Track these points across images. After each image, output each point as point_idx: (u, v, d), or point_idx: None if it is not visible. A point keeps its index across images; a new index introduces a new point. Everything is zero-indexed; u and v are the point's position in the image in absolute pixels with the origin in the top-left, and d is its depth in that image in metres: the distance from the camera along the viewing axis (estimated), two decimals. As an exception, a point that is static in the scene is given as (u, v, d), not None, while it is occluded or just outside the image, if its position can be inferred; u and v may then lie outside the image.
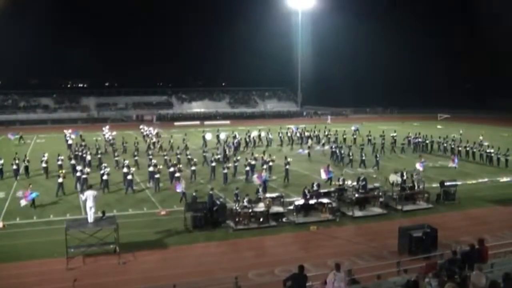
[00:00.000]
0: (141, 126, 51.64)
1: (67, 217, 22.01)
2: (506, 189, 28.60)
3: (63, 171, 29.32)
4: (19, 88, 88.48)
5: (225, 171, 30.20)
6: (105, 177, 28.16)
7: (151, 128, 49.74)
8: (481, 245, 13.68)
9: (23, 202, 23.03)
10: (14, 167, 31.18)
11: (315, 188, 24.34)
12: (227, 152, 37.37)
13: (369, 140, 44.58)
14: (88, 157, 34.42)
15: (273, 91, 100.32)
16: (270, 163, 32.20)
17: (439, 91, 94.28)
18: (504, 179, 31.40)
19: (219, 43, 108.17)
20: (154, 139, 44.73)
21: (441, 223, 19.92)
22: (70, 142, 43.93)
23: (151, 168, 29.57)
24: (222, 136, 45.75)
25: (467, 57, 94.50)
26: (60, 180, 27.24)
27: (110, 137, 45.61)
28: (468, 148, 39.00)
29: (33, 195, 23.89)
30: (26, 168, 32.15)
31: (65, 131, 48.00)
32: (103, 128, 50.11)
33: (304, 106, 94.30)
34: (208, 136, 45.24)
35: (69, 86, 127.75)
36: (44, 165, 32.17)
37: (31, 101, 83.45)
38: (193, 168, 31.18)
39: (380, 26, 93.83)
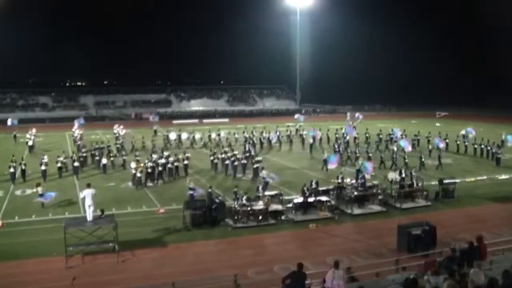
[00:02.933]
0: (114, 127, 49.50)
1: (66, 216, 22.05)
2: (504, 187, 28.63)
3: (142, 164, 29.44)
4: (17, 87, 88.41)
5: (256, 165, 30.90)
6: (161, 168, 30.16)
7: (119, 129, 47.84)
8: (480, 242, 13.69)
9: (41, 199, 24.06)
10: (11, 170, 29.85)
11: (313, 186, 24.37)
12: (251, 149, 37.16)
13: (380, 139, 43.72)
14: (104, 160, 33.44)
15: (271, 89, 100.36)
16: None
17: (438, 89, 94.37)
18: (503, 177, 31.46)
19: (218, 41, 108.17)
20: (121, 140, 43.21)
21: (440, 221, 19.93)
22: (30, 143, 42.54)
23: (162, 160, 31.09)
24: (245, 134, 45.72)
25: (466, 55, 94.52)
26: (139, 174, 28.29)
27: (78, 136, 44.79)
28: (482, 147, 38.65)
29: (51, 194, 24.51)
30: (23, 171, 30.59)
31: (30, 131, 45.89)
32: (73, 129, 48.28)
33: (302, 104, 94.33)
34: (172, 136, 44.98)
35: (67, 84, 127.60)
36: (43, 167, 30.74)
37: (29, 99, 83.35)
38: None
39: (379, 24, 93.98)
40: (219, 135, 46.21)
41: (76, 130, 47.13)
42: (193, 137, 45.59)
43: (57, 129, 59.80)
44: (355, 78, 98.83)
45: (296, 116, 58.40)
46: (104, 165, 33.01)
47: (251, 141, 42.47)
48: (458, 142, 41.21)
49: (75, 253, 17.27)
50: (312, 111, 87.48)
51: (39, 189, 24.47)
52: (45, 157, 31.77)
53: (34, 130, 46.77)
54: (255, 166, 30.99)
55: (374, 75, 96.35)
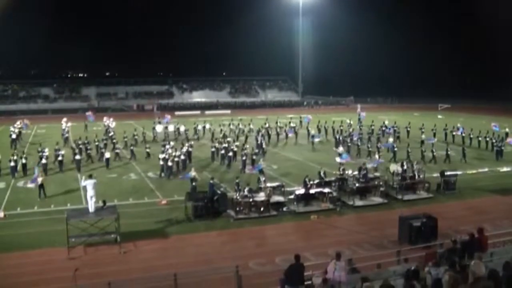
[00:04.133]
0: (104, 119, 48.34)
1: (68, 207, 22.12)
2: (506, 179, 28.59)
3: (173, 154, 30.36)
4: (19, 78, 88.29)
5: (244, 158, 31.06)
6: (183, 157, 31.18)
7: (109, 121, 46.66)
8: (481, 234, 13.67)
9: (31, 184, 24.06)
10: (12, 164, 29.27)
11: (322, 175, 24.50)
12: (262, 142, 37.16)
13: (372, 131, 43.66)
14: (107, 154, 32.82)
15: (274, 81, 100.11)
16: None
17: (440, 81, 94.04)
18: (504, 169, 31.41)
19: (220, 33, 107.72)
20: (112, 133, 41.69)
21: (441, 213, 19.95)
22: (14, 136, 40.73)
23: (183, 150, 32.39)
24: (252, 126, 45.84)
25: (468, 47, 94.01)
26: (170, 163, 29.22)
27: (66, 129, 44.10)
28: (487, 139, 38.61)
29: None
30: (24, 165, 29.98)
31: (15, 124, 44.82)
32: (62, 122, 46.68)
33: (305, 96, 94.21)
34: (159, 128, 44.47)
35: (69, 76, 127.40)
36: (44, 161, 30.20)
37: (31, 91, 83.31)
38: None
39: (381, 17, 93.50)
40: (204, 127, 46.27)
41: (64, 123, 45.71)
42: (178, 129, 45.12)
43: (59, 120, 59.73)
44: (357, 70, 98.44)
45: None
46: (108, 159, 32.69)
47: (261, 133, 41.75)
48: (463, 135, 41.14)
49: (77, 244, 17.36)
50: (314, 103, 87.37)
51: (40, 180, 24.49)
52: (46, 150, 31.37)
53: (19, 123, 45.72)
54: (244, 158, 30.96)
55: (376, 67, 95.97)
